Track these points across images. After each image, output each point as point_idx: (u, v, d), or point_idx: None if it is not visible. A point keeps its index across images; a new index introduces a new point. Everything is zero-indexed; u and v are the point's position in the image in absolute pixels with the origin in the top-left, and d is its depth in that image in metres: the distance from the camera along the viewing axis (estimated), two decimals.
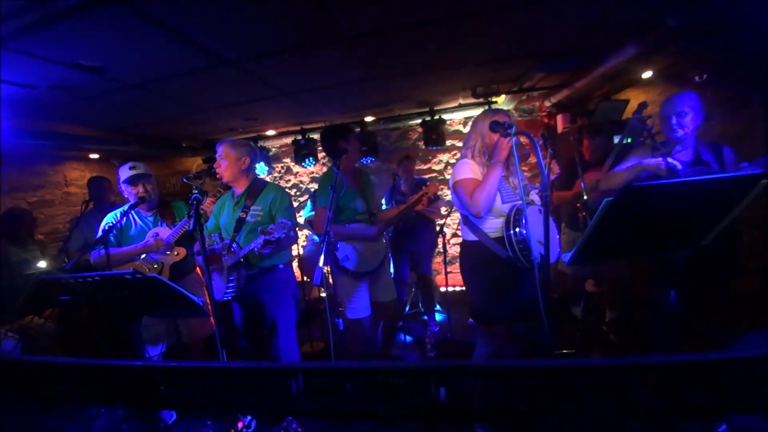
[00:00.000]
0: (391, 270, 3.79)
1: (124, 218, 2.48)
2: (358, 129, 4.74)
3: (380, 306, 2.65)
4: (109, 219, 2.49)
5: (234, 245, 2.40)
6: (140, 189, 2.47)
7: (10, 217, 3.45)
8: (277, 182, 6.01)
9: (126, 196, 2.53)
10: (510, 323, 2.01)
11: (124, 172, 2.49)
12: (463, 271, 2.21)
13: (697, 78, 3.28)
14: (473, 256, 2.08)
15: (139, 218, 2.57)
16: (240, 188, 2.48)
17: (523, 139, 2.16)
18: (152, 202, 2.55)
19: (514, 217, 1.90)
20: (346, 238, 2.51)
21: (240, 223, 2.40)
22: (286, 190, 5.97)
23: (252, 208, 2.41)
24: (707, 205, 1.40)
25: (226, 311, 2.60)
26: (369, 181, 2.72)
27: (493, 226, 2.00)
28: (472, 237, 2.09)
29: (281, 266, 2.47)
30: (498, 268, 1.97)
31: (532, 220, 1.88)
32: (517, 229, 1.87)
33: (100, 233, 2.42)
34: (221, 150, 2.44)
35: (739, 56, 3.05)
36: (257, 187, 2.49)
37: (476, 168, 2.04)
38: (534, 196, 2.05)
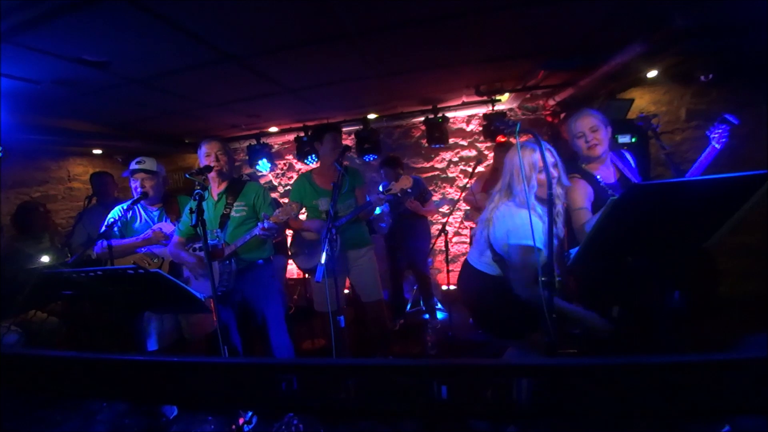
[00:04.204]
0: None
1: (129, 212, 2.53)
2: (360, 126, 4.73)
3: (362, 306, 2.76)
4: (115, 213, 2.53)
5: (220, 241, 2.42)
6: (139, 183, 2.53)
7: (22, 211, 3.51)
8: (279, 179, 6.04)
9: (131, 187, 2.61)
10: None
11: (131, 166, 2.57)
12: (488, 305, 2.02)
13: (702, 77, 3.27)
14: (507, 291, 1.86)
15: (145, 212, 2.63)
16: (221, 186, 2.48)
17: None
18: (154, 197, 2.58)
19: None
20: (302, 232, 2.79)
21: (224, 219, 2.42)
22: (288, 186, 6.00)
23: (235, 204, 2.44)
24: (711, 206, 1.39)
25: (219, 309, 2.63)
26: (353, 179, 2.76)
27: None
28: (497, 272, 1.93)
29: (260, 261, 2.50)
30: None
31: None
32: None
33: (104, 228, 2.45)
34: (217, 145, 2.44)
35: (746, 56, 3.03)
36: (238, 184, 2.52)
37: (539, 223, 1.75)
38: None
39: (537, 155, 1.74)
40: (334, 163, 2.59)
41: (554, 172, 1.76)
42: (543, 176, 1.69)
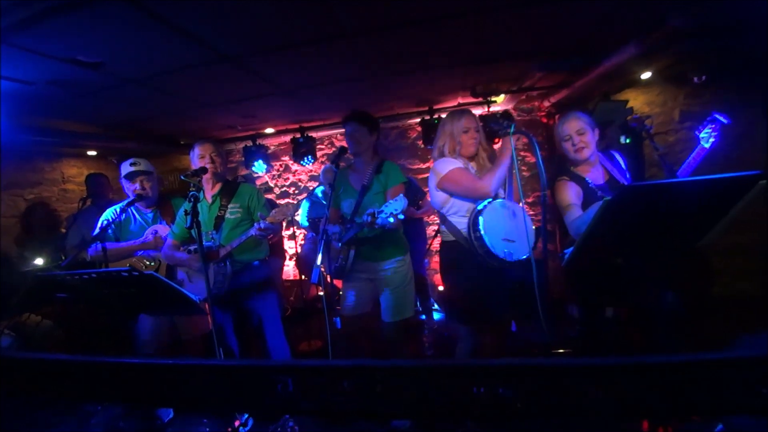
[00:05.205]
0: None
1: (123, 214, 2.50)
2: None
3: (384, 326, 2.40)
4: (108, 215, 2.50)
5: (215, 243, 2.41)
6: (137, 185, 2.49)
7: (30, 213, 3.50)
8: (275, 180, 6.02)
9: (125, 191, 2.55)
10: (498, 321, 2.02)
11: (125, 168, 2.52)
12: (444, 272, 2.26)
13: (696, 79, 3.29)
14: (455, 255, 2.09)
15: (139, 214, 2.60)
16: (215, 189, 2.48)
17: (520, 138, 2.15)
18: (150, 199, 2.55)
19: (473, 220, 1.94)
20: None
21: (219, 221, 2.42)
22: (284, 188, 5.99)
23: (229, 206, 2.43)
24: (704, 206, 1.40)
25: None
26: (386, 178, 2.36)
27: (465, 224, 2.03)
28: (450, 237, 2.12)
29: (256, 263, 2.49)
30: (480, 266, 1.97)
31: (495, 216, 1.92)
32: (475, 233, 1.92)
33: (98, 230, 2.43)
34: (210, 147, 2.43)
35: (739, 57, 3.06)
36: (231, 186, 2.51)
37: (455, 161, 2.06)
38: (499, 191, 2.06)
39: (471, 119, 2.09)
40: (331, 165, 2.58)
41: (476, 135, 2.10)
42: (469, 137, 2.08)
